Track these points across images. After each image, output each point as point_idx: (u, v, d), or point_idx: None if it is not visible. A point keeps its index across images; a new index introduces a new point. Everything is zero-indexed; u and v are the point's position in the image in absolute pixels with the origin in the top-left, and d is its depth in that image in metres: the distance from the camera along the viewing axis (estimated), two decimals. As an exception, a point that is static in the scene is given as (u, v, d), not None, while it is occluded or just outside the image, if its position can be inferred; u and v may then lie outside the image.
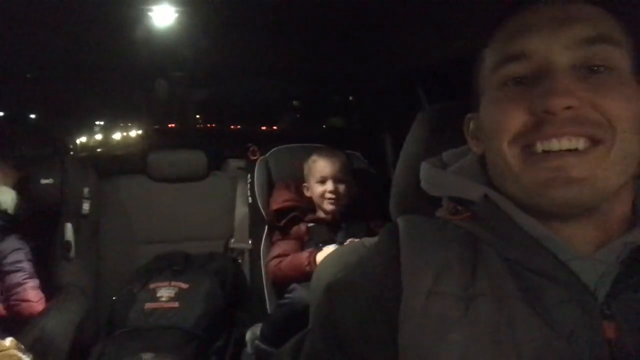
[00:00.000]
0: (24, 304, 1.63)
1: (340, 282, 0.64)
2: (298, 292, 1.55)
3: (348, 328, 0.57)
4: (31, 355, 1.31)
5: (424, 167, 0.67)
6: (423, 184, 0.67)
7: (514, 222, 0.54)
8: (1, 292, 1.64)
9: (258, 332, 1.67)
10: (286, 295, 1.58)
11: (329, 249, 1.56)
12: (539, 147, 0.51)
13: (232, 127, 5.06)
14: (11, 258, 1.66)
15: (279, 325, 1.55)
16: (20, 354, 1.28)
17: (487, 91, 0.58)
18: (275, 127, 4.98)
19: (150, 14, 1.66)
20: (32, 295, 1.65)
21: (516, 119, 0.52)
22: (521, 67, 0.53)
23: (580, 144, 0.49)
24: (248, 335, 1.72)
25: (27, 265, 1.68)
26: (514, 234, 0.54)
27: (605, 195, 0.51)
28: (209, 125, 4.92)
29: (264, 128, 5.03)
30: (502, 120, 0.53)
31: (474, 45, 1.30)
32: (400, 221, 0.63)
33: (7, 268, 1.65)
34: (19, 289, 1.63)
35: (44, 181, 1.84)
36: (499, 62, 0.55)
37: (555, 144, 0.50)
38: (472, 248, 0.56)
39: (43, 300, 1.67)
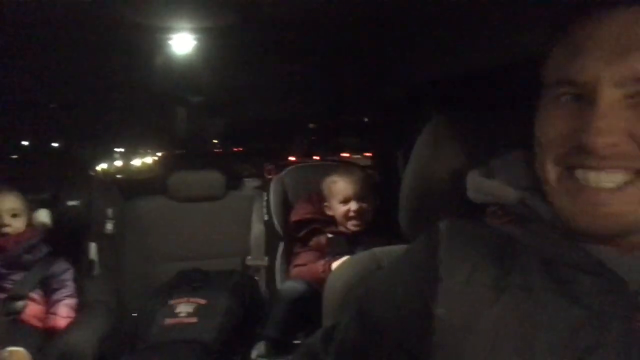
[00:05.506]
0: (51, 316, 1.71)
1: (378, 275, 0.68)
2: (288, 284, 1.65)
3: (385, 316, 0.61)
4: None
5: (470, 176, 0.68)
6: (469, 192, 0.68)
7: (550, 223, 0.55)
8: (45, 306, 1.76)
9: (262, 348, 1.71)
10: (279, 289, 1.65)
11: (344, 258, 1.59)
12: (579, 174, 0.51)
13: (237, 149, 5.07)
14: (61, 277, 1.81)
15: (278, 319, 1.62)
16: None
17: (545, 98, 0.56)
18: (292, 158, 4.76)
19: (170, 42, 1.75)
20: (62, 310, 1.73)
21: (562, 141, 0.52)
22: (573, 89, 0.52)
23: (619, 177, 0.49)
24: (253, 354, 1.75)
25: (71, 285, 1.82)
26: (550, 234, 0.55)
27: (636, 227, 0.51)
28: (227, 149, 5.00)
29: (292, 159, 4.79)
30: (549, 138, 0.54)
31: (482, 61, 1.35)
32: (442, 223, 0.65)
33: (55, 286, 1.79)
34: (56, 304, 1.75)
35: (70, 203, 1.93)
36: (553, 83, 0.54)
37: (593, 177, 0.50)
38: (508, 248, 0.58)
39: (70, 320, 1.74)
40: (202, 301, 1.80)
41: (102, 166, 4.79)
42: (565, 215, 0.53)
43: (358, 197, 1.76)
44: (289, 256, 1.92)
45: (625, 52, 0.48)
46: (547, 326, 0.50)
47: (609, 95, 0.48)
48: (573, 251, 0.53)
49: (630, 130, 0.48)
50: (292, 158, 4.86)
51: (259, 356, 1.72)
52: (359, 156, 4.59)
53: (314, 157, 4.73)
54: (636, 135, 0.48)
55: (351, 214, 1.75)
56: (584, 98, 0.50)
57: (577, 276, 0.52)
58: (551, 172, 0.54)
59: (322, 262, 1.68)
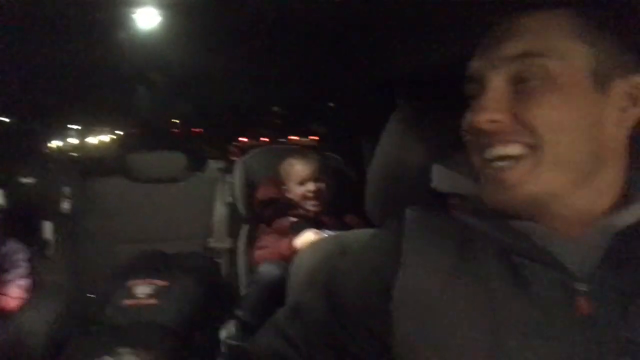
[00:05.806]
0: (1, 297, 1.66)
1: (345, 259, 0.71)
2: (265, 267, 1.63)
3: (350, 298, 0.64)
4: None
5: (434, 166, 0.71)
6: (433, 182, 0.70)
7: (499, 213, 0.59)
8: None
9: (232, 329, 1.71)
10: (255, 273, 1.65)
11: (307, 233, 1.61)
12: (485, 155, 0.56)
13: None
14: (13, 258, 1.76)
15: (254, 302, 1.62)
16: None
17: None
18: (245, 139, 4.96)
19: (133, 15, 1.70)
20: (13, 291, 1.68)
21: (472, 130, 0.57)
22: (473, 86, 0.58)
23: (515, 150, 0.53)
24: (223, 334, 1.75)
25: (24, 265, 1.77)
26: (500, 223, 0.58)
27: (543, 198, 0.54)
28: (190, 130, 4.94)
29: (245, 140, 4.99)
30: (465, 129, 0.59)
31: (449, 53, 1.37)
32: (407, 211, 0.68)
33: (6, 266, 1.74)
34: (7, 284, 1.70)
35: (24, 180, 1.86)
36: (465, 81, 0.60)
37: (490, 153, 0.55)
38: (466, 237, 0.62)
39: (20, 300, 1.69)
40: (162, 283, 1.78)
41: (56, 143, 4.59)
42: (485, 197, 0.57)
43: (314, 178, 1.80)
44: (252, 239, 1.92)
45: (502, 41, 0.55)
46: (498, 312, 0.54)
47: (494, 79, 0.55)
48: (522, 240, 0.57)
49: (513, 109, 0.54)
50: (244, 139, 4.91)
51: (228, 337, 1.72)
52: (305, 139, 4.67)
53: (262, 139, 4.81)
54: (518, 114, 0.53)
55: (309, 194, 1.79)
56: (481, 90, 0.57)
57: (528, 265, 0.56)
58: (475, 160, 0.58)
59: (286, 240, 1.69)
